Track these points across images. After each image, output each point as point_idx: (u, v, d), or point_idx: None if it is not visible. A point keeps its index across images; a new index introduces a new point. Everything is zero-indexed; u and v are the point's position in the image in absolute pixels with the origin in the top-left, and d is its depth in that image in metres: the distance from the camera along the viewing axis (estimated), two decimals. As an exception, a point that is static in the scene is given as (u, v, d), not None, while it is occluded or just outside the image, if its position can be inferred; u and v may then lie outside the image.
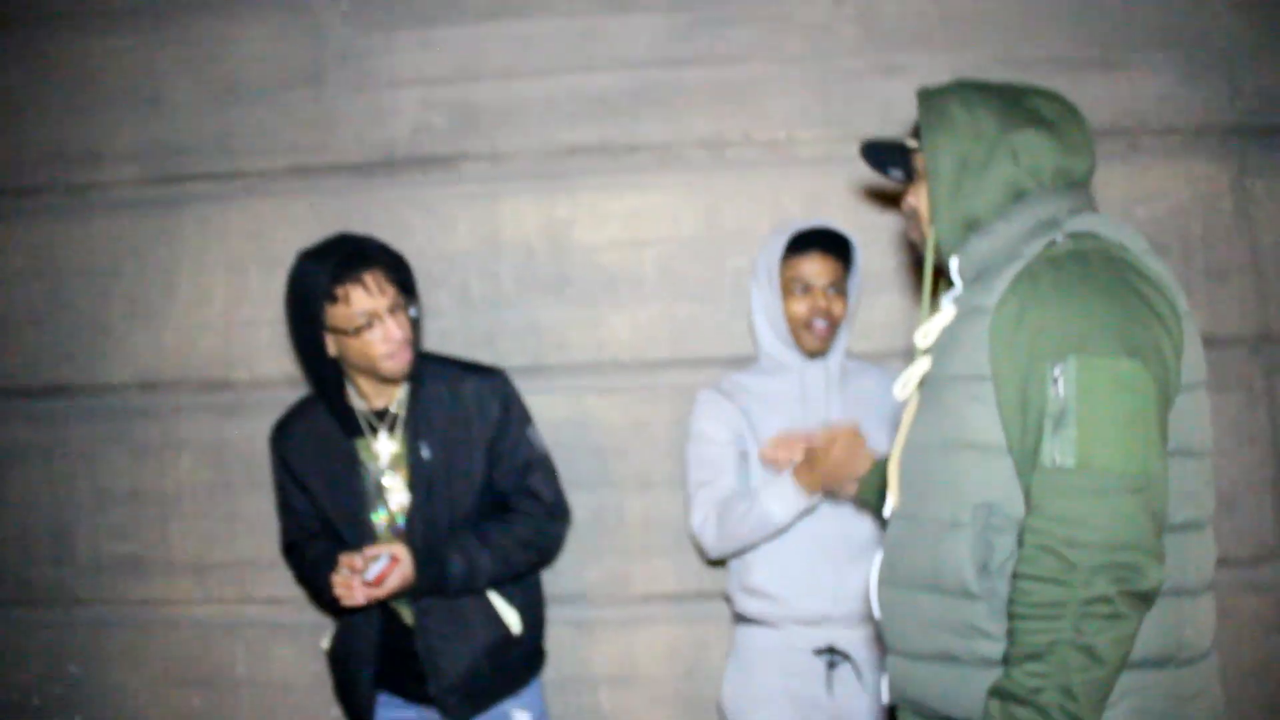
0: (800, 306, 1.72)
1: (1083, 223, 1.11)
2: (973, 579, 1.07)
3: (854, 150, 1.92)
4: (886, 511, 1.24)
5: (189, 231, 2.07)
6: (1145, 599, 0.98)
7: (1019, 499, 1.06)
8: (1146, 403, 1.00)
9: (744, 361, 1.93)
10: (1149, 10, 1.95)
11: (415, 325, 1.60)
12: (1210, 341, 1.94)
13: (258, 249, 2.04)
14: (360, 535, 1.63)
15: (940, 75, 1.94)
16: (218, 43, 2.06)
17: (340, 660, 1.73)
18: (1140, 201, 1.94)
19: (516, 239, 2.00)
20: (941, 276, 1.25)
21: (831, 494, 1.64)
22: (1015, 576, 1.01)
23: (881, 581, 1.21)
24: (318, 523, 1.70)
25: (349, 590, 1.53)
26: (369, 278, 1.53)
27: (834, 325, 1.73)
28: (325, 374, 1.60)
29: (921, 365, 1.21)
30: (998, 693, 1.00)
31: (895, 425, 1.69)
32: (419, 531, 1.62)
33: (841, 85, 1.97)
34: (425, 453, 1.61)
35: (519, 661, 1.72)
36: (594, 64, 1.99)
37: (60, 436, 2.09)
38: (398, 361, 1.56)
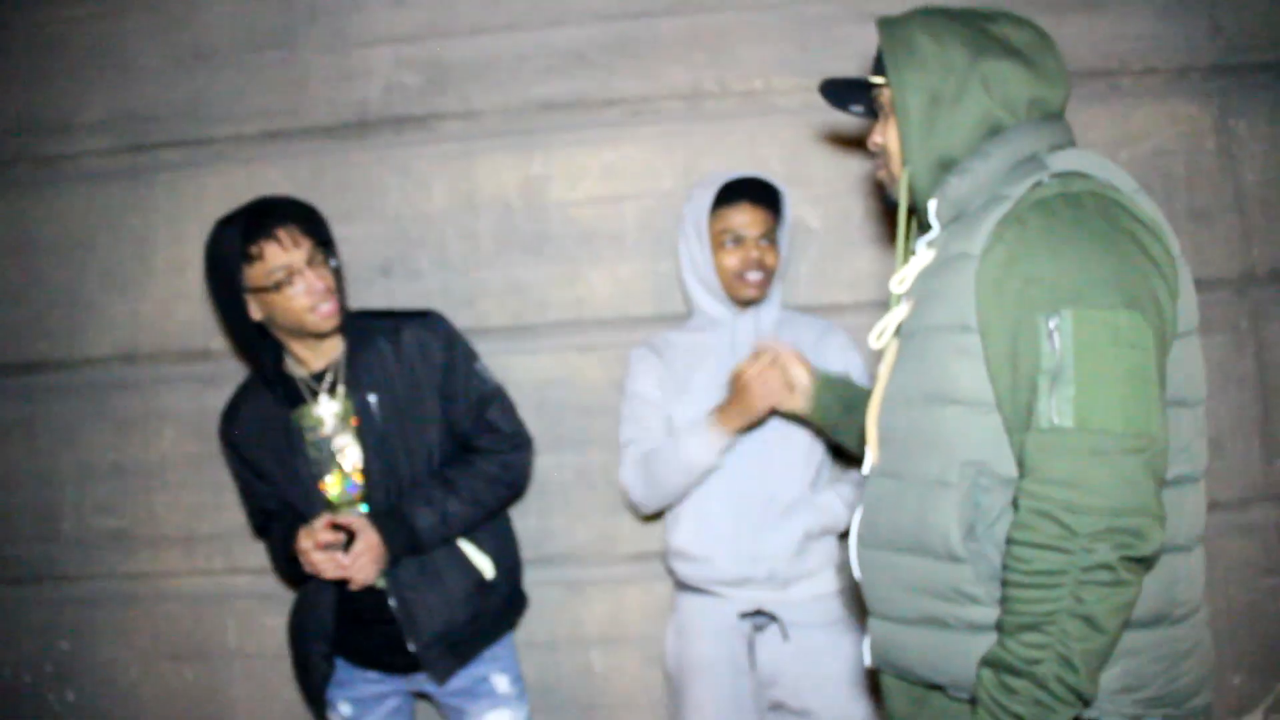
0: (732, 259, 1.67)
1: (1068, 160, 1.05)
2: (958, 542, 1.03)
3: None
4: (865, 468, 1.20)
5: (162, 200, 2.04)
6: (1146, 563, 0.95)
7: (1008, 457, 1.02)
8: (1146, 357, 0.95)
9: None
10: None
11: (337, 276, 1.60)
12: (1196, 283, 1.93)
13: (232, 216, 2.02)
14: (314, 504, 1.61)
15: (918, 20, 1.93)
16: (185, 7, 2.03)
17: (295, 635, 1.70)
18: (1122, 143, 1.92)
19: (493, 197, 1.98)
20: (916, 219, 1.20)
21: (765, 418, 1.59)
22: (1010, 542, 0.96)
23: (861, 541, 1.16)
24: (278, 503, 1.69)
25: (329, 561, 1.54)
26: (281, 232, 1.52)
27: (769, 275, 1.69)
28: (253, 343, 1.58)
29: (898, 312, 1.15)
30: (991, 663, 0.97)
31: (865, 377, 1.69)
32: (378, 485, 1.60)
33: (818, 32, 1.94)
34: (371, 400, 1.59)
35: (496, 608, 1.71)
36: (567, 17, 1.96)
37: (41, 412, 2.07)
38: (324, 314, 1.54)
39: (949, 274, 1.06)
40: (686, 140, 1.95)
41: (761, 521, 1.65)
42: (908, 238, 1.19)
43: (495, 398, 1.71)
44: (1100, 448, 0.93)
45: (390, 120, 1.99)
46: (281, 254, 1.52)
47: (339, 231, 1.98)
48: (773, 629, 1.66)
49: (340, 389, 1.61)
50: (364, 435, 1.60)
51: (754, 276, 1.67)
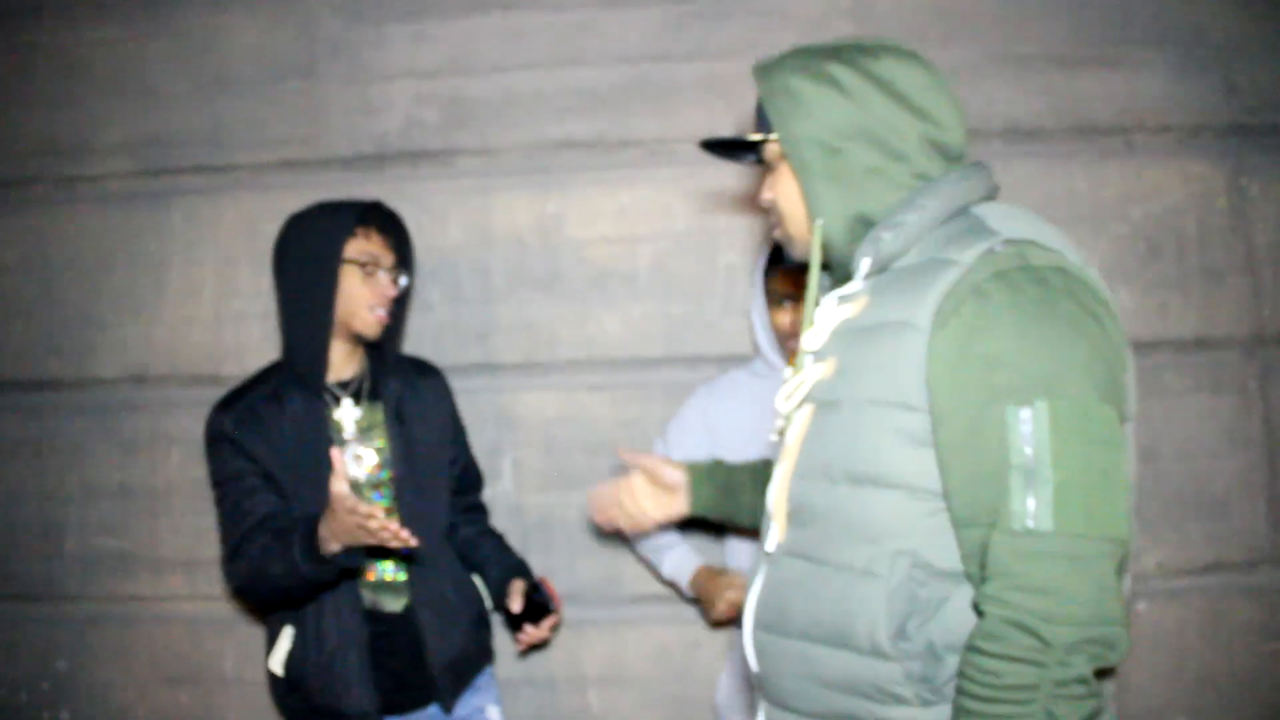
0: (784, 318, 1.67)
1: (1011, 223, 0.98)
2: (886, 638, 0.94)
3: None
4: (770, 545, 1.08)
5: (179, 225, 2.05)
6: (1110, 672, 0.91)
7: (948, 550, 0.95)
8: (1119, 452, 0.90)
9: (738, 359, 1.92)
10: (1145, 7, 1.94)
11: (403, 298, 1.68)
12: (1204, 342, 1.97)
13: (248, 243, 2.03)
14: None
15: (935, 72, 1.95)
16: (208, 34, 2.05)
17: (307, 674, 1.55)
18: (1135, 200, 1.93)
19: (508, 234, 1.99)
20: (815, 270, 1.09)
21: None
22: (975, 652, 0.89)
23: (763, 626, 1.06)
24: (274, 501, 1.56)
25: (388, 529, 1.35)
26: (387, 232, 1.65)
27: None
28: (327, 325, 1.58)
29: (813, 373, 1.05)
30: None
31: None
32: (408, 493, 1.62)
33: (836, 81, 1.95)
34: (397, 413, 1.65)
35: (486, 638, 1.75)
36: (586, 58, 1.98)
37: (49, 431, 2.08)
38: (377, 317, 1.61)
39: (886, 343, 0.97)
40: (701, 183, 1.97)
41: None
42: (828, 290, 1.11)
43: (480, 477, 1.84)
44: (1079, 553, 0.87)
45: (408, 154, 2.01)
46: (381, 246, 1.62)
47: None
48: None
49: (364, 399, 1.65)
50: (395, 444, 1.63)
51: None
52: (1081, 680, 0.87)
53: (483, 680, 1.73)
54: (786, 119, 1.03)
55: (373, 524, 1.34)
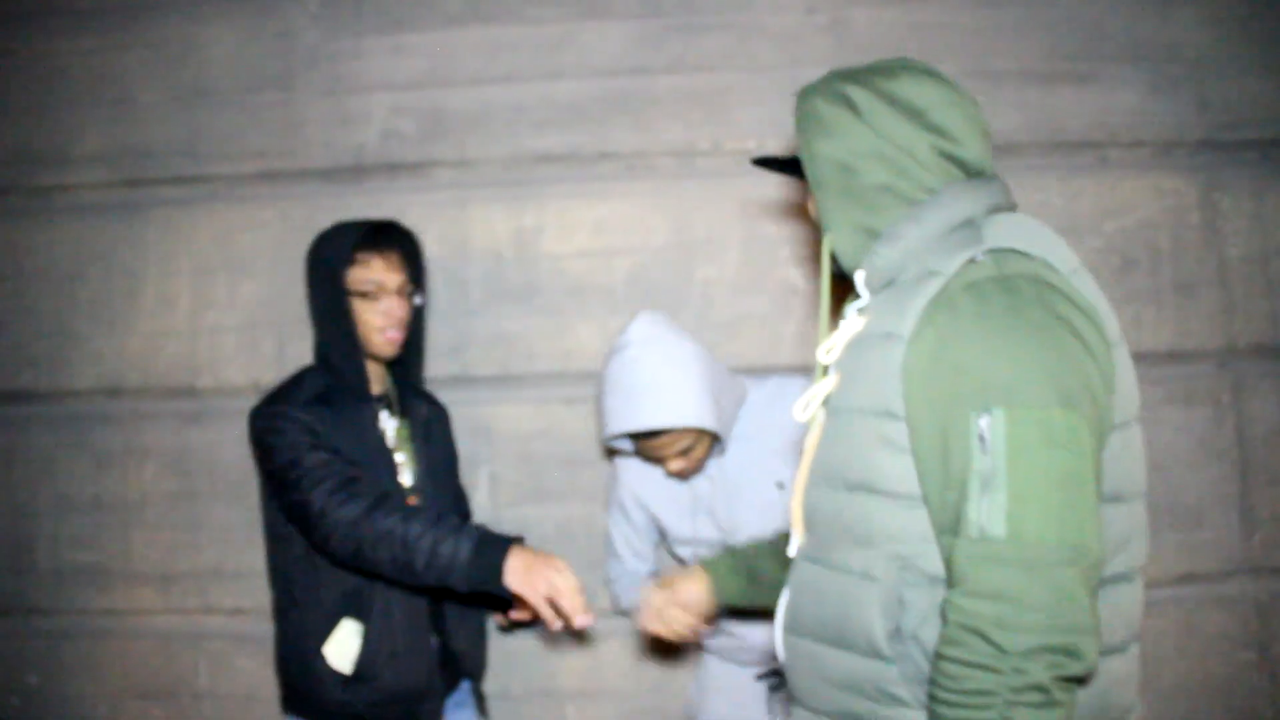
0: (651, 462, 1.67)
1: (1004, 233, 0.99)
2: (883, 640, 0.97)
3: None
4: (791, 550, 1.13)
5: (154, 236, 2.04)
6: (1080, 681, 0.90)
7: (934, 554, 0.96)
8: (1082, 459, 0.89)
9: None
10: (1118, 24, 1.96)
11: (417, 314, 1.70)
12: (1177, 355, 1.98)
13: (224, 254, 2.02)
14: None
15: (911, 87, 1.96)
16: (185, 45, 2.04)
17: (379, 668, 1.55)
18: (1109, 214, 1.95)
19: (485, 247, 1.98)
20: (845, 285, 1.14)
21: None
22: (938, 657, 0.91)
23: (787, 627, 1.10)
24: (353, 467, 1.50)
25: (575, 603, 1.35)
26: (391, 254, 1.64)
27: (693, 466, 1.61)
28: (355, 341, 1.61)
29: (826, 384, 1.08)
30: None
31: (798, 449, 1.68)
32: (430, 504, 1.65)
33: (813, 96, 1.96)
34: (424, 425, 1.70)
35: (483, 646, 1.79)
36: (564, 71, 1.98)
37: (21, 443, 2.06)
38: (388, 338, 1.62)
39: (874, 352, 0.99)
40: (679, 197, 1.97)
41: (772, 619, 1.68)
42: (839, 305, 1.13)
43: (466, 503, 1.87)
44: (1033, 560, 0.87)
45: (385, 166, 2.01)
46: (383, 271, 1.62)
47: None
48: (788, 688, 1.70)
49: (396, 411, 1.69)
50: (419, 457, 1.68)
51: (684, 476, 1.62)
52: (1039, 688, 0.86)
53: (461, 695, 1.73)
54: (809, 139, 1.08)
55: (565, 588, 1.33)
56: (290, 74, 2.02)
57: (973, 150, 1.04)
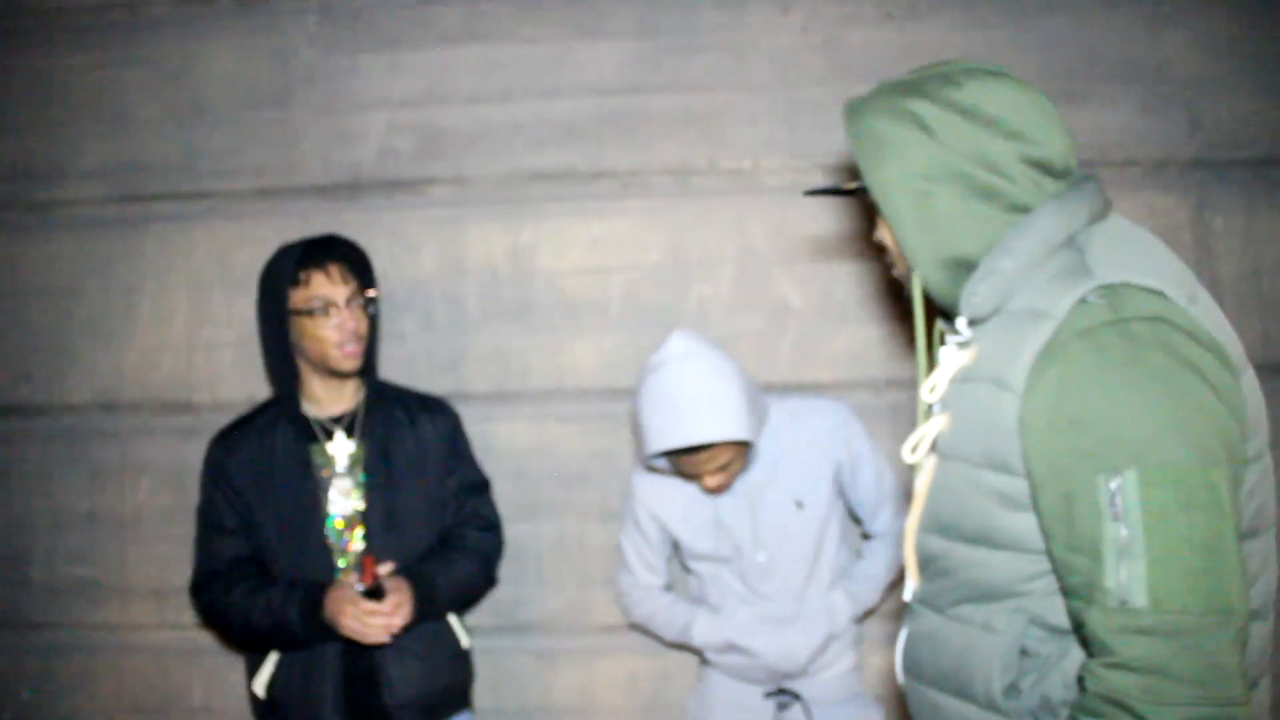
0: (686, 478, 1.66)
1: (1111, 259, 0.92)
2: (999, 694, 0.95)
3: (818, 180, 1.97)
4: (908, 594, 1.11)
5: (152, 251, 2.05)
6: None
7: (1058, 607, 0.93)
8: (1223, 518, 0.84)
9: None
10: (1110, 44, 1.97)
11: (372, 324, 1.68)
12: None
13: (221, 270, 2.03)
14: (309, 543, 1.60)
15: (905, 106, 1.97)
16: (184, 62, 2.05)
17: (287, 700, 1.62)
18: (1101, 234, 1.96)
19: (481, 264, 1.99)
20: (934, 314, 1.09)
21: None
22: None
23: (907, 673, 1.09)
24: (245, 545, 1.64)
25: (370, 627, 1.51)
26: (332, 267, 1.61)
27: (727, 482, 1.63)
28: (288, 369, 1.63)
29: (934, 425, 1.02)
30: None
31: (878, 472, 1.72)
32: (377, 532, 1.62)
33: (807, 115, 1.98)
34: (386, 449, 1.65)
35: (465, 678, 1.74)
36: (560, 90, 2.00)
37: (17, 457, 2.06)
38: (347, 352, 1.61)
39: (984, 400, 0.94)
40: (674, 216, 1.98)
41: (787, 631, 1.69)
42: (930, 340, 1.08)
43: (486, 487, 1.80)
44: (1180, 629, 0.83)
45: (382, 183, 2.02)
46: (326, 286, 1.60)
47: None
48: (796, 707, 1.72)
49: (357, 432, 1.66)
50: (373, 480, 1.64)
51: (712, 489, 1.63)
52: None
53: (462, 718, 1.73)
54: (872, 164, 0.99)
55: (349, 621, 1.51)
56: (288, 91, 2.03)
57: (1057, 149, 0.97)
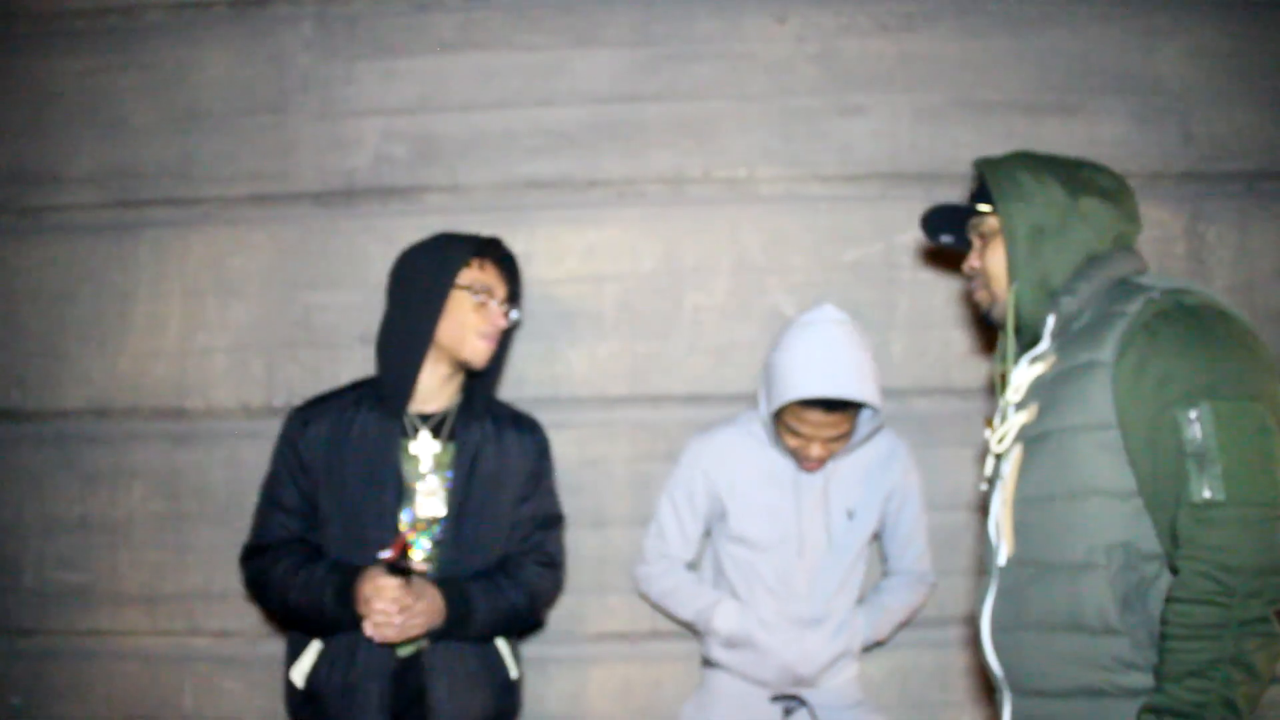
0: (793, 442, 1.66)
1: (1163, 281, 1.24)
2: (1115, 615, 1.15)
3: (814, 189, 1.98)
4: (1000, 560, 1.28)
5: (146, 257, 2.05)
6: None
7: (1150, 535, 1.16)
8: (1271, 437, 1.11)
9: (702, 399, 1.93)
10: (1104, 56, 1.98)
11: (507, 338, 1.70)
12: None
13: (215, 276, 2.03)
14: (371, 536, 1.56)
15: (899, 117, 1.98)
16: (180, 68, 2.05)
17: (326, 693, 1.56)
18: (1095, 245, 1.96)
19: (476, 271, 1.99)
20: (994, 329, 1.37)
21: None
22: (1173, 600, 1.09)
23: (1001, 627, 1.26)
24: (301, 526, 1.61)
25: (386, 624, 1.48)
26: (502, 264, 1.67)
27: (825, 459, 1.68)
28: (416, 353, 1.59)
29: (1018, 419, 1.28)
30: (1155, 709, 1.08)
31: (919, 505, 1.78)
32: (448, 538, 1.59)
33: (802, 124, 1.98)
34: (472, 454, 1.63)
35: (511, 709, 1.69)
36: (555, 98, 2.00)
37: (9, 462, 2.06)
38: (484, 346, 1.62)
39: (1081, 381, 1.20)
40: (668, 224, 1.98)
41: (811, 634, 1.70)
42: (1015, 353, 1.33)
43: (557, 523, 1.75)
44: (1250, 517, 1.07)
45: (377, 190, 2.01)
46: (495, 276, 1.65)
47: (320, 298, 2.01)
48: (802, 713, 1.73)
49: (445, 434, 1.64)
50: (455, 486, 1.61)
51: (808, 463, 1.67)
52: (1263, 619, 1.06)
53: None
54: (1008, 201, 1.31)
55: (384, 614, 1.48)
56: (283, 98, 2.03)
57: (1137, 229, 1.33)
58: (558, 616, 1.97)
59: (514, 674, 1.67)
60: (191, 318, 2.03)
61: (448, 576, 1.58)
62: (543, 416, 1.97)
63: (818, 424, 1.61)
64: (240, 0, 2.05)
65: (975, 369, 1.96)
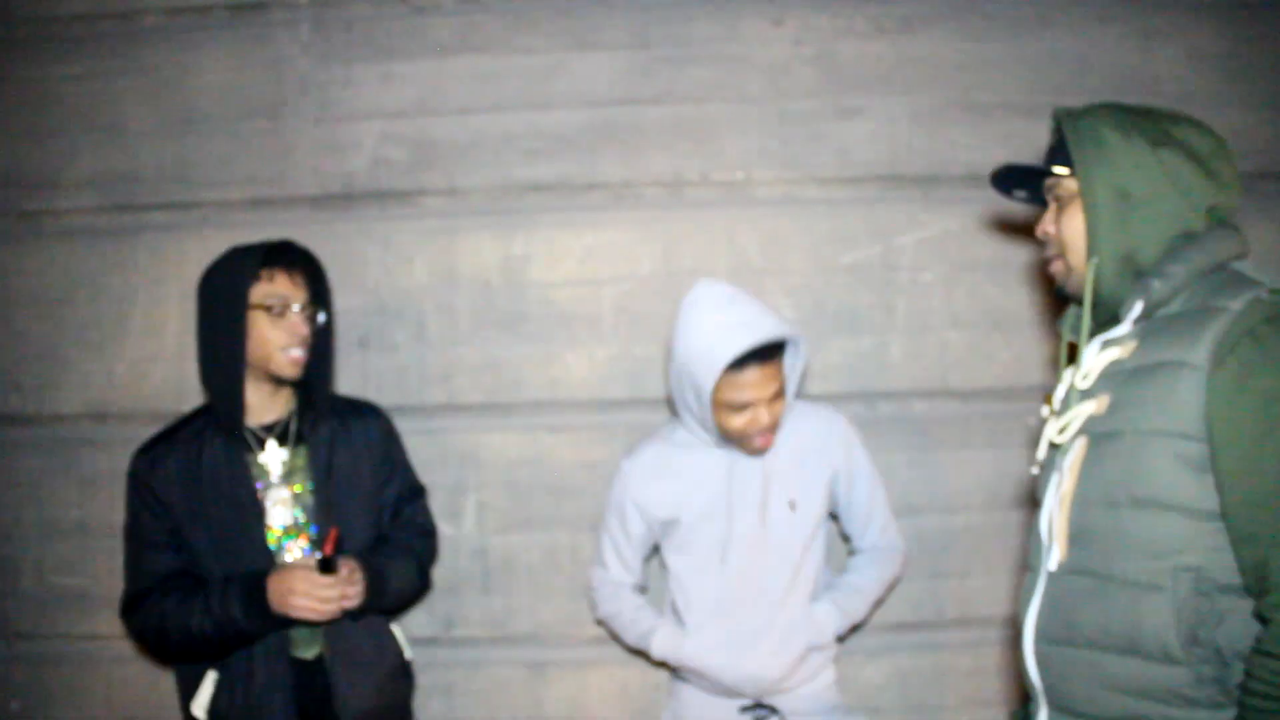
0: (737, 421, 1.59)
1: (1272, 275, 1.10)
2: (1177, 645, 1.04)
3: (811, 192, 1.98)
4: (1051, 565, 1.17)
5: (143, 261, 2.05)
6: None
7: (1228, 565, 1.04)
8: None
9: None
10: (1102, 59, 1.98)
11: (321, 336, 1.66)
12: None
13: (213, 280, 2.03)
14: (246, 554, 1.57)
15: (897, 119, 1.98)
16: (176, 72, 2.05)
17: (233, 717, 1.57)
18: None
19: (473, 275, 1.99)
20: (1064, 305, 1.22)
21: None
22: (1259, 653, 0.99)
23: (1049, 639, 1.16)
24: (177, 560, 1.60)
25: (326, 601, 1.49)
26: (295, 271, 1.63)
27: (777, 422, 1.61)
28: (239, 372, 1.59)
29: (1085, 409, 1.14)
30: None
31: (869, 474, 1.71)
32: (319, 535, 1.60)
33: (799, 126, 1.98)
34: (323, 455, 1.63)
35: (408, 691, 1.73)
36: (553, 101, 2.00)
37: (7, 466, 2.06)
38: (292, 358, 1.60)
39: (1164, 380, 1.07)
40: (666, 227, 1.98)
41: (761, 644, 1.66)
42: (1091, 329, 1.18)
43: (421, 493, 1.80)
44: None
45: (375, 194, 2.01)
46: (288, 286, 1.61)
47: (318, 303, 2.01)
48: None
49: (291, 441, 1.63)
50: (315, 488, 1.61)
51: (762, 437, 1.61)
52: None
53: None
54: (1089, 162, 1.13)
55: (300, 600, 1.48)
56: (280, 101, 2.03)
57: (1233, 199, 1.15)
58: (555, 620, 1.97)
59: (408, 654, 1.72)
60: (189, 322, 2.01)
61: (355, 553, 1.60)
62: (541, 420, 1.98)
63: (757, 382, 1.54)
64: (237, 4, 2.05)
65: (973, 371, 1.96)
